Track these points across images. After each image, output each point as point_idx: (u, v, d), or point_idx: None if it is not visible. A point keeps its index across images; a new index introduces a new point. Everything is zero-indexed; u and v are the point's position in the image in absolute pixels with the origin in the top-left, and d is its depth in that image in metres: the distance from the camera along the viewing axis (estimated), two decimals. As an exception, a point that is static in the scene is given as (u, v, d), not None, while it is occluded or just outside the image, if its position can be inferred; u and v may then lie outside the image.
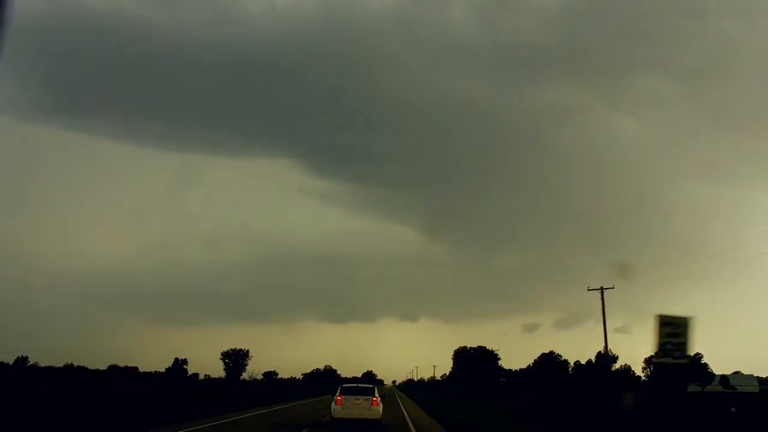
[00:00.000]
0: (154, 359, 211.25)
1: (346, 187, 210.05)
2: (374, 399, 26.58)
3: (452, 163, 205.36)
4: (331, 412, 26.98)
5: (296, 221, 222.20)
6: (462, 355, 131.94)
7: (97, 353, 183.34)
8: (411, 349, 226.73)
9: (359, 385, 30.81)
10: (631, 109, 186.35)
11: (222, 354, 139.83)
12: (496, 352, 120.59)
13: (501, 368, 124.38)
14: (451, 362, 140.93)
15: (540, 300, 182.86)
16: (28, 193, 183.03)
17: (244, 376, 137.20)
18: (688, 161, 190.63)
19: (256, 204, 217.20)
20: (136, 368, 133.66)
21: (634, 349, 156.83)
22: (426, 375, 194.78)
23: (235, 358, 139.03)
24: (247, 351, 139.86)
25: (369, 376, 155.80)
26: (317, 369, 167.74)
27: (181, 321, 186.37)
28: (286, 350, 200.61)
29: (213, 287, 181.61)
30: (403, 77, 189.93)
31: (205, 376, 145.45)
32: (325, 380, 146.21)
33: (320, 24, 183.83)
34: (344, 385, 29.08)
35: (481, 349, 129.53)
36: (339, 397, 26.54)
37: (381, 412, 26.99)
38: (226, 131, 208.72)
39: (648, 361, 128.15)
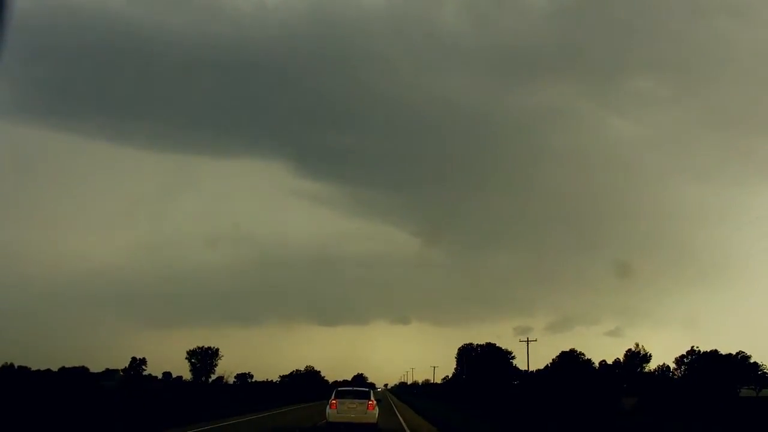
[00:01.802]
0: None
1: (338, 189, 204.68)
2: (370, 403, 25.93)
3: (444, 164, 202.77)
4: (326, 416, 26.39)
5: (287, 223, 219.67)
6: (467, 354, 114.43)
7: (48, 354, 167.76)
8: (403, 352, 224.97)
9: (355, 388, 30.70)
10: (625, 109, 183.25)
11: (188, 353, 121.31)
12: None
13: (516, 369, 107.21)
14: (452, 363, 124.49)
15: (534, 302, 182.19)
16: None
17: (214, 377, 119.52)
18: (683, 161, 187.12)
19: (246, 205, 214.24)
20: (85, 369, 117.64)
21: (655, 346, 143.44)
22: (421, 377, 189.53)
23: (203, 358, 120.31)
24: (217, 349, 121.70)
25: (359, 380, 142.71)
26: (297, 371, 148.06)
27: (163, 323, 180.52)
28: (270, 352, 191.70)
29: (199, 289, 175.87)
30: (395, 77, 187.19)
31: (160, 375, 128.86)
32: (306, 384, 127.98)
33: (311, 24, 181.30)
34: (339, 388, 28.69)
35: (490, 347, 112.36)
36: (334, 401, 25.91)
37: (377, 416, 26.19)
38: (217, 132, 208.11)
39: (680, 361, 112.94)
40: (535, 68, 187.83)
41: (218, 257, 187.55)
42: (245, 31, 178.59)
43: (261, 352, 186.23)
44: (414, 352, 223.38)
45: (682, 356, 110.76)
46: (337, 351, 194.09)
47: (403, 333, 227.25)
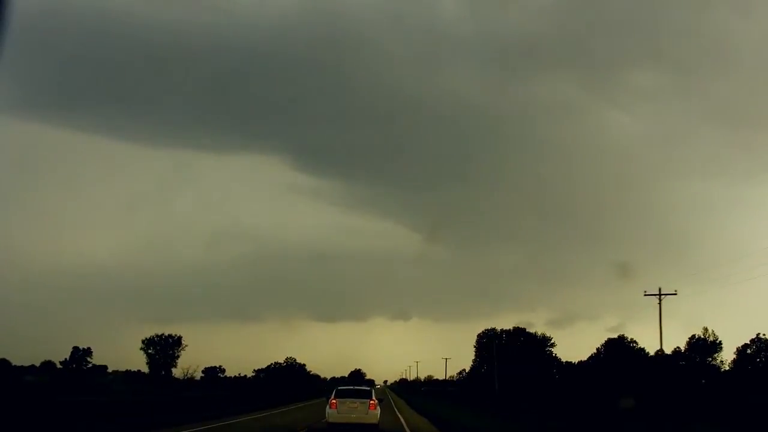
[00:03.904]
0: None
1: (337, 184, 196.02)
2: (371, 402, 25.48)
3: (444, 159, 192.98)
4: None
5: (285, 218, 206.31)
6: (489, 343, 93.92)
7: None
8: (404, 348, 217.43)
9: (356, 387, 29.48)
10: (626, 104, 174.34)
11: (144, 341, 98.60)
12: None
13: (556, 359, 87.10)
14: (456, 358, 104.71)
15: (535, 298, 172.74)
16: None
17: (176, 372, 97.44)
18: (685, 157, 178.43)
19: (243, 200, 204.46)
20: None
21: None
22: (423, 373, 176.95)
23: (163, 348, 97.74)
24: (179, 338, 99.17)
25: (357, 376, 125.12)
26: (276, 363, 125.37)
27: (152, 319, 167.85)
28: (264, 347, 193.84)
29: (196, 284, 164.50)
30: (394, 71, 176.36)
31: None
32: (287, 380, 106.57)
33: (311, 17, 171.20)
34: (340, 388, 27.79)
35: (519, 332, 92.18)
36: (334, 401, 25.51)
37: (378, 416, 25.69)
38: (214, 127, 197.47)
39: (742, 352, 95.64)
40: (536, 61, 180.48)
41: (215, 253, 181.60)
42: (242, 24, 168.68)
43: (255, 348, 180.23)
44: (415, 348, 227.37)
45: (746, 345, 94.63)
46: (336, 347, 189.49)
47: (404, 329, 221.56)
